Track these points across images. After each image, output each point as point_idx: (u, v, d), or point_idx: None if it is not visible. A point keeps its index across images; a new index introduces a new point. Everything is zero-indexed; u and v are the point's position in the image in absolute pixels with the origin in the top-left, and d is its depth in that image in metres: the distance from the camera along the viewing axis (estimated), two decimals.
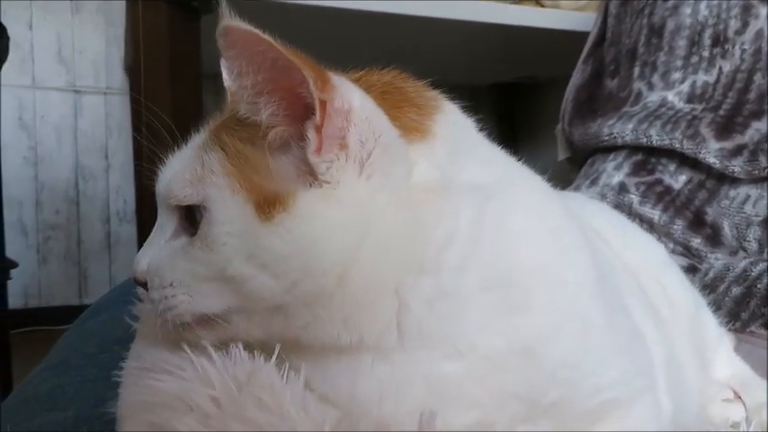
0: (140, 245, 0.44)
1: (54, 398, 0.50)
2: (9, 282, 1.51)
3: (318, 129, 0.35)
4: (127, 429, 0.36)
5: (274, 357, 0.37)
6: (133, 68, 1.78)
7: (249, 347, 0.39)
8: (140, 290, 0.42)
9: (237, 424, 0.29)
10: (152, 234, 0.42)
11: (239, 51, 0.34)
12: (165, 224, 0.41)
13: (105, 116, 2.45)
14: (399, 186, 0.37)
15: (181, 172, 0.39)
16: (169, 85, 1.53)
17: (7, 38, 1.43)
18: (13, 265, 1.50)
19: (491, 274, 0.38)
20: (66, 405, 0.49)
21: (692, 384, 0.55)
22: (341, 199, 0.35)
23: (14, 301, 2.00)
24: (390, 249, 0.36)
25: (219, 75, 0.43)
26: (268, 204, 0.35)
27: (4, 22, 1.45)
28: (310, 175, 0.36)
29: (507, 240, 0.39)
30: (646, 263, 0.61)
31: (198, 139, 0.41)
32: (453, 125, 0.41)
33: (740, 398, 0.59)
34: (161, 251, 0.40)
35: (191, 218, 0.38)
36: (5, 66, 1.46)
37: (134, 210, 2.33)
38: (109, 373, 0.48)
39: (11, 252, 1.53)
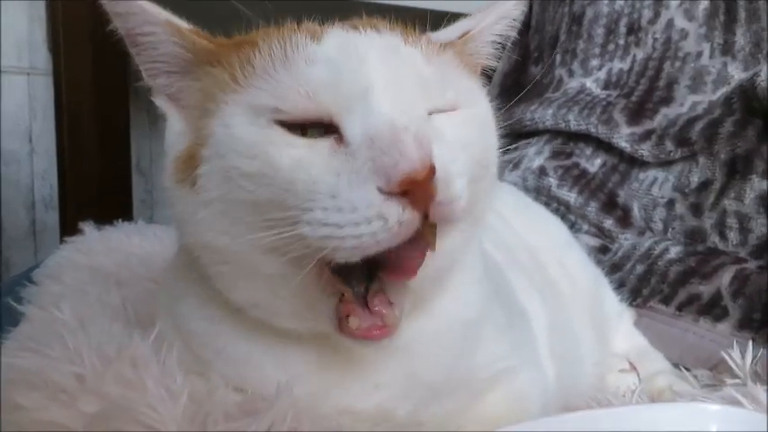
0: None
1: None
2: None
3: None
4: None
5: (154, 335, 0.37)
6: (54, 47, 1.70)
7: (130, 326, 0.38)
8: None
9: (92, 398, 0.28)
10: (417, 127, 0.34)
11: None
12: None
13: (29, 98, 2.32)
14: None
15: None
16: (91, 63, 1.46)
17: None
18: None
19: None
20: None
21: (588, 354, 0.57)
22: None
23: None
24: None
25: None
26: None
27: None
28: None
29: None
30: (548, 243, 0.64)
31: None
32: None
33: (635, 369, 0.62)
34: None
35: None
36: None
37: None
38: None
39: None
